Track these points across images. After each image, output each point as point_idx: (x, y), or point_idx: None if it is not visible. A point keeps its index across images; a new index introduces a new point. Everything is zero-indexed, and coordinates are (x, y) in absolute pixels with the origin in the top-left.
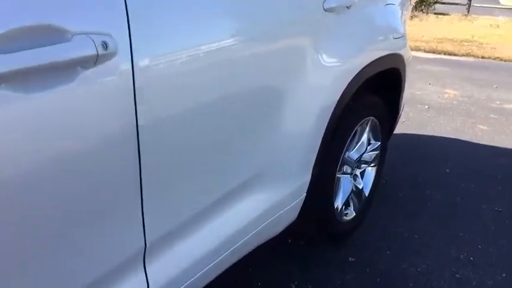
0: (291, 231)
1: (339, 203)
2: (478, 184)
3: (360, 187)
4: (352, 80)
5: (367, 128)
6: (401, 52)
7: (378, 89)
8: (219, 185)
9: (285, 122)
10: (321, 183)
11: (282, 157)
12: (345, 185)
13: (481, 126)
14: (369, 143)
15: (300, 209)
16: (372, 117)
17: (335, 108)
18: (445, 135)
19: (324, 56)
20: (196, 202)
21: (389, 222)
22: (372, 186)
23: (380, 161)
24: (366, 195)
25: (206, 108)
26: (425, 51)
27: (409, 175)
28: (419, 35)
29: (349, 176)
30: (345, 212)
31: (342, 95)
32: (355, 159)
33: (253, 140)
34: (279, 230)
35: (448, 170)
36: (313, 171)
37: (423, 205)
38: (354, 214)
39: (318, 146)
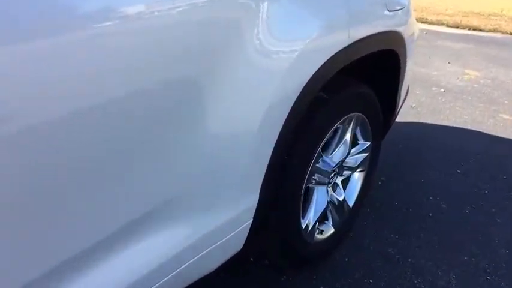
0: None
1: (310, 221)
2: (494, 191)
3: (341, 198)
4: (321, 66)
5: (350, 127)
6: (400, 29)
7: (368, 77)
8: (105, 217)
9: (210, 131)
10: (279, 203)
11: (206, 179)
12: (319, 198)
13: (504, 116)
14: (354, 144)
15: (245, 238)
16: (357, 114)
17: (294, 106)
18: (460, 125)
19: (272, 32)
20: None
21: (376, 240)
22: (358, 196)
23: (371, 165)
24: (350, 206)
25: (80, 114)
26: (448, 25)
27: (411, 175)
28: (443, 8)
29: (325, 186)
30: (319, 229)
31: (305, 87)
32: (333, 166)
33: (158, 156)
34: (214, 266)
35: (459, 171)
36: (262, 191)
37: (423, 217)
38: (332, 231)
39: (268, 158)
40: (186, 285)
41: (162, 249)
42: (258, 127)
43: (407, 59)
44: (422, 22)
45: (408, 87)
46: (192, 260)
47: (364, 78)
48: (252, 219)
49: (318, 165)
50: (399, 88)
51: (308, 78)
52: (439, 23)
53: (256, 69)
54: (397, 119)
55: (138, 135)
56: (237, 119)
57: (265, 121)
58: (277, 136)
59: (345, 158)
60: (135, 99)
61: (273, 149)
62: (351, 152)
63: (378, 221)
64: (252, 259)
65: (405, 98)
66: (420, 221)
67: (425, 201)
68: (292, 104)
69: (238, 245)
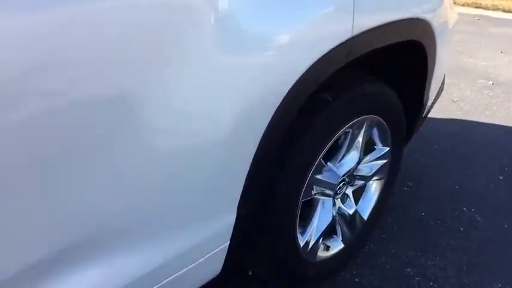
0: None
1: (310, 238)
2: None
3: (351, 211)
4: (315, 63)
5: (362, 131)
6: (427, 17)
7: (389, 73)
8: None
9: (164, 142)
10: (267, 220)
11: (162, 199)
12: (323, 212)
13: None
14: (369, 150)
15: (222, 262)
16: (371, 116)
17: (280, 111)
18: (509, 124)
19: (241, 20)
20: None
21: (395, 258)
22: (374, 207)
23: (391, 173)
24: (365, 219)
25: None
26: (504, 10)
27: (445, 181)
28: None
29: (330, 198)
30: (325, 244)
31: (293, 87)
32: (340, 176)
33: (98, 170)
34: None
35: (501, 177)
36: (241, 209)
37: (453, 231)
38: (342, 247)
39: (245, 171)
40: None
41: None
42: (226, 137)
43: (437, 52)
44: (476, 7)
45: (442, 85)
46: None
47: (384, 73)
48: (228, 242)
49: (319, 176)
50: (426, 86)
51: (297, 76)
52: (495, 8)
53: (223, 66)
54: (436, 115)
55: (71, 145)
56: (198, 125)
57: (238, 129)
58: (256, 146)
59: (356, 166)
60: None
61: (253, 161)
62: (366, 158)
63: (399, 234)
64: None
65: (437, 97)
66: (449, 236)
67: (457, 212)
68: (275, 109)
69: (214, 270)
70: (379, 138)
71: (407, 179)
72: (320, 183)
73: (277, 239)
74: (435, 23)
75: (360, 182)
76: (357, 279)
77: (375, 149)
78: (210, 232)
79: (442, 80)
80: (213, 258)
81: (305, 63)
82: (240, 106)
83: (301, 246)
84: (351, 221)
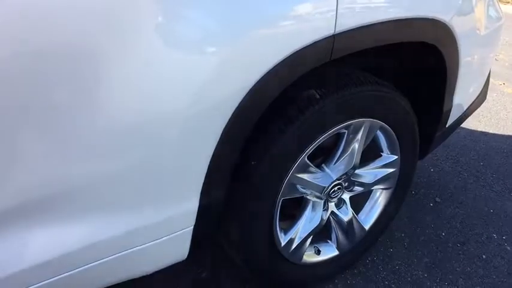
0: None
1: (295, 236)
2: None
3: (347, 218)
4: (290, 57)
5: (360, 135)
6: (445, 18)
7: (399, 77)
8: None
9: (117, 123)
10: (238, 212)
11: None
12: (311, 214)
13: None
14: (376, 156)
15: (187, 246)
16: (370, 120)
17: (247, 99)
18: None
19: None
20: None
21: (396, 276)
22: (378, 218)
23: (400, 183)
24: (366, 228)
25: None
26: None
27: (479, 201)
28: None
29: (321, 201)
30: (317, 248)
31: (263, 78)
32: (332, 179)
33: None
34: (148, 269)
35: None
36: (204, 198)
37: (473, 258)
38: (336, 253)
39: (206, 160)
40: (113, 282)
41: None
42: (186, 118)
43: (460, 58)
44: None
45: (482, 95)
46: (110, 257)
47: (395, 77)
48: (192, 227)
49: (303, 176)
50: (446, 93)
51: (265, 69)
52: None
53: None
54: (489, 129)
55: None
56: (158, 103)
57: (199, 114)
58: (219, 135)
59: (353, 171)
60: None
61: (217, 148)
62: (370, 165)
63: (410, 251)
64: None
65: (474, 108)
66: (466, 262)
67: (484, 238)
68: (240, 98)
69: (178, 253)
70: (387, 145)
71: (437, 194)
72: (305, 183)
73: (251, 232)
74: (457, 25)
75: (359, 189)
76: None
77: (381, 155)
78: (170, 214)
79: (478, 89)
80: (175, 240)
81: (274, 58)
82: (201, 92)
83: (283, 244)
84: (348, 228)
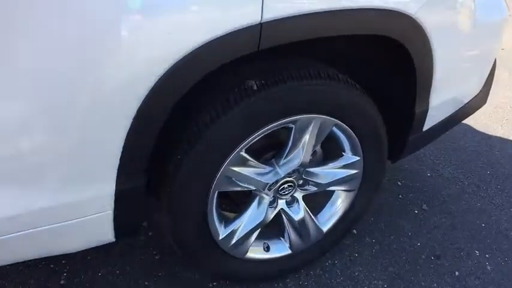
0: None
1: (237, 229)
2: None
3: (297, 218)
4: (207, 44)
5: (308, 132)
6: (409, 10)
7: (361, 73)
8: None
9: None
10: (167, 201)
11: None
12: (256, 209)
13: None
14: (336, 156)
15: (111, 228)
16: (321, 117)
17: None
18: None
19: None
20: None
21: (353, 283)
22: (339, 221)
23: (365, 186)
24: (324, 230)
25: None
26: None
27: (470, 216)
28: None
29: (267, 197)
30: (267, 244)
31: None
32: (281, 174)
33: None
34: (70, 248)
35: None
36: (121, 183)
37: (444, 274)
38: (289, 252)
39: (116, 146)
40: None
41: None
42: (88, 102)
43: (435, 56)
44: None
45: (479, 96)
46: (25, 232)
47: (357, 73)
48: (111, 211)
49: (241, 170)
50: (417, 95)
51: (178, 56)
52: None
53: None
54: (495, 132)
55: None
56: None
57: (104, 96)
58: (130, 120)
59: (303, 169)
60: None
61: (128, 137)
62: (328, 165)
63: (375, 259)
64: None
65: (461, 112)
66: (435, 277)
67: (465, 253)
68: (153, 82)
69: (104, 235)
70: (348, 145)
71: (426, 200)
72: (243, 178)
73: (182, 222)
74: (427, 19)
75: (313, 189)
76: None
77: (343, 155)
78: (85, 195)
79: (472, 89)
80: (95, 222)
81: (192, 43)
82: (111, 73)
83: (221, 236)
84: (301, 228)
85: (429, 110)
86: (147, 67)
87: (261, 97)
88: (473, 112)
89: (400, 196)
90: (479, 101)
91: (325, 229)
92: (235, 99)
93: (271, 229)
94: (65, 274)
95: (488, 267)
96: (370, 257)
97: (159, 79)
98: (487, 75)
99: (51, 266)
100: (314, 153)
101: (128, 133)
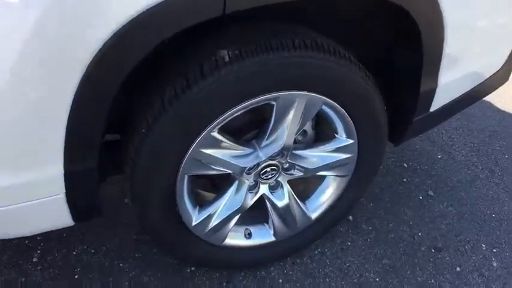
0: None
1: (213, 214)
2: None
3: (280, 204)
4: (154, 9)
5: (292, 111)
6: None
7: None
8: None
9: None
10: (132, 184)
11: None
12: (233, 194)
13: None
14: (328, 137)
15: (67, 212)
16: (307, 94)
17: (100, 55)
18: None
19: None
20: None
21: (343, 273)
22: (329, 208)
23: (359, 172)
24: (312, 218)
25: None
26: None
27: (482, 206)
28: None
29: (246, 181)
30: (247, 231)
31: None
32: (262, 157)
33: None
34: (26, 231)
35: None
36: (70, 165)
37: (443, 270)
38: (272, 240)
39: (61, 124)
40: None
41: None
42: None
43: (447, 25)
44: None
45: (501, 71)
46: None
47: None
48: (64, 194)
49: (214, 152)
50: (423, 70)
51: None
52: None
53: None
54: (507, 108)
55: None
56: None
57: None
58: (71, 96)
59: (287, 152)
60: None
61: (71, 116)
62: (318, 147)
63: (370, 249)
64: None
65: (478, 89)
66: (434, 272)
67: (470, 246)
68: (94, 54)
69: (60, 219)
70: (342, 127)
71: (432, 186)
72: (216, 161)
73: (147, 207)
74: None
75: (299, 174)
76: (280, 280)
77: (337, 137)
78: (32, 177)
79: (493, 63)
80: (48, 205)
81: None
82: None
83: (194, 222)
84: (286, 214)
85: (438, 89)
86: (91, 30)
87: (233, 70)
88: (493, 90)
89: (405, 180)
90: (500, 77)
91: (313, 216)
92: (202, 72)
93: (255, 213)
94: (38, 251)
95: (494, 264)
96: (364, 246)
97: (104, 45)
98: (511, 48)
99: (26, 241)
100: (304, 134)
101: (70, 110)
